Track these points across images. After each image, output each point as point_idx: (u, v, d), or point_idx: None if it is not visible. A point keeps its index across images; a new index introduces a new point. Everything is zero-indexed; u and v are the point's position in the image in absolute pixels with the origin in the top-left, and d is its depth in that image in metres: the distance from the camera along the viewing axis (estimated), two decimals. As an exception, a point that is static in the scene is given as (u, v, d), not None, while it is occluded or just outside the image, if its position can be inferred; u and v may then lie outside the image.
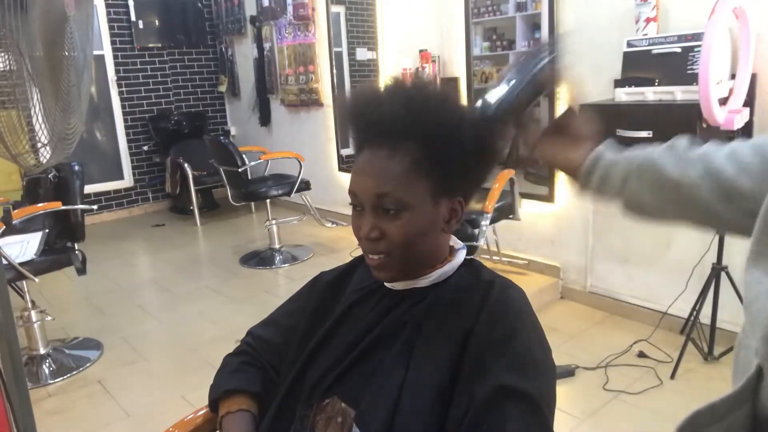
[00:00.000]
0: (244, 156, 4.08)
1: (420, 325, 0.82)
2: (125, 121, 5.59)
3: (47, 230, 2.75)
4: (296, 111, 5.19)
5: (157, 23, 5.61)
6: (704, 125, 2.14)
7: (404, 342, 0.82)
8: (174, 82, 5.85)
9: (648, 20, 2.50)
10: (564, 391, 2.31)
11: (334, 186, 4.82)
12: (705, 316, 2.43)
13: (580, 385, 2.36)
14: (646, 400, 2.23)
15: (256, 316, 1.08)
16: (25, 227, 2.71)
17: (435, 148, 0.79)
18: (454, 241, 0.91)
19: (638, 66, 2.49)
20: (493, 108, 0.80)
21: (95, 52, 4.48)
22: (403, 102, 0.80)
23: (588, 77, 2.72)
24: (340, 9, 4.58)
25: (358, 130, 0.85)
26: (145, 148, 5.72)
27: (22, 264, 2.51)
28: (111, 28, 5.38)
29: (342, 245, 4.32)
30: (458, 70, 3.57)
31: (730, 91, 2.22)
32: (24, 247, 2.62)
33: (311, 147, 4.97)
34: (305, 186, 4.20)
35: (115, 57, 5.46)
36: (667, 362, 2.45)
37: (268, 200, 4.12)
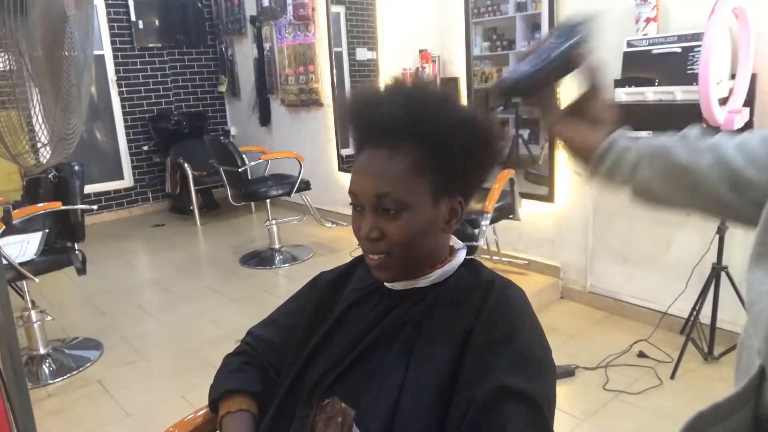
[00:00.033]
0: (244, 156, 4.08)
1: (420, 325, 0.82)
2: (125, 121, 5.59)
3: (47, 230, 2.75)
4: (296, 111, 5.19)
5: (157, 23, 5.61)
6: (704, 125, 2.13)
7: (404, 342, 0.82)
8: (174, 82, 5.85)
9: (648, 20, 2.50)
10: (564, 391, 2.31)
11: (334, 186, 4.82)
12: (705, 316, 2.43)
13: (580, 385, 2.36)
14: (646, 400, 2.23)
15: (256, 316, 1.08)
16: (25, 227, 2.71)
17: (435, 148, 0.79)
18: (454, 241, 0.91)
19: (638, 66, 2.49)
20: (509, 84, 0.80)
21: (95, 52, 4.48)
22: (403, 102, 0.80)
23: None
24: (340, 9, 4.58)
25: (358, 130, 0.85)
26: (145, 148, 5.72)
27: (22, 264, 2.51)
28: (111, 28, 5.38)
29: (342, 245, 4.32)
30: (458, 70, 3.57)
31: (730, 91, 2.22)
32: (24, 247, 2.62)
33: (311, 147, 4.97)
34: (305, 186, 4.20)
35: (115, 57, 5.46)
36: (667, 362, 2.45)
37: (268, 200, 4.12)
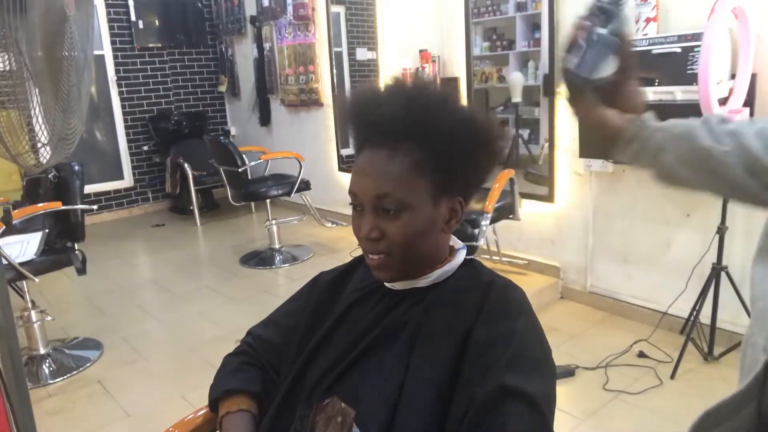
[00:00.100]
0: (244, 156, 4.08)
1: (420, 325, 0.82)
2: (125, 121, 5.59)
3: (47, 230, 2.75)
4: (296, 111, 5.19)
5: (157, 23, 5.61)
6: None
7: (404, 342, 0.82)
8: (174, 82, 5.85)
9: (648, 20, 2.50)
10: (564, 391, 2.31)
11: (334, 186, 4.82)
12: (705, 316, 2.43)
13: (580, 385, 2.36)
14: (646, 400, 2.23)
15: (256, 316, 1.08)
16: (25, 227, 2.71)
17: (435, 149, 0.79)
18: (454, 241, 0.91)
19: (638, 66, 2.49)
20: (590, 79, 0.80)
21: (95, 52, 4.48)
22: (403, 102, 0.80)
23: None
24: (340, 9, 4.58)
25: (359, 130, 0.85)
26: (145, 148, 5.72)
27: (22, 264, 2.51)
28: (111, 28, 5.38)
29: (342, 245, 4.32)
30: (458, 70, 3.57)
31: (730, 91, 2.22)
32: (24, 247, 2.62)
33: (311, 147, 4.97)
34: (305, 186, 4.20)
35: (115, 57, 5.46)
36: (667, 362, 2.45)
37: (268, 200, 4.12)
